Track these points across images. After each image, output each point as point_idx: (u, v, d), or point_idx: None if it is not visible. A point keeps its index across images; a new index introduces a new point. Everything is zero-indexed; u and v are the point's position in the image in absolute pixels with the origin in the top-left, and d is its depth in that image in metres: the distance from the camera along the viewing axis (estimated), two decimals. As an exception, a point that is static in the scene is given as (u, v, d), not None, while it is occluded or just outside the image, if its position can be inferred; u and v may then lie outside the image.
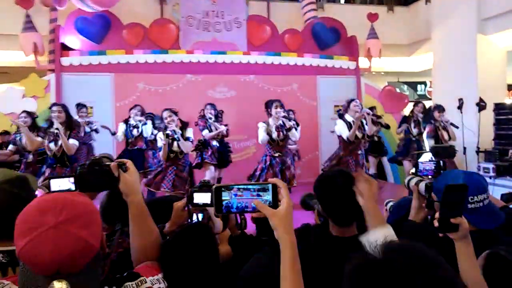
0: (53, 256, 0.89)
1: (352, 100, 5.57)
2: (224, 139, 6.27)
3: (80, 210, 0.97)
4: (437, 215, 1.23)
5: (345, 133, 5.38)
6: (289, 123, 5.22)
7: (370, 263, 0.74)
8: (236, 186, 1.05)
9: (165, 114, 4.80)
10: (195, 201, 1.49)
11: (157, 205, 1.72)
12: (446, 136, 6.06)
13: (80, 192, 1.24)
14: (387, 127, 7.28)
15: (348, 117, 5.44)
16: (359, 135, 5.49)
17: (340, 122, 5.49)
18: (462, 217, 1.22)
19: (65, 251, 0.91)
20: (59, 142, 4.75)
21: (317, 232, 1.54)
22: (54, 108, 4.86)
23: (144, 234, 1.29)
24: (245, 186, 1.05)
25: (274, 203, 1.03)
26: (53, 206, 0.95)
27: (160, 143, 4.84)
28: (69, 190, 1.33)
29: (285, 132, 5.24)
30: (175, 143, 4.80)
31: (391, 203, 2.21)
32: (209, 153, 5.99)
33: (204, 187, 1.49)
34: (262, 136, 5.25)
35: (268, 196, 1.04)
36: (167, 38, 7.72)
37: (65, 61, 7.28)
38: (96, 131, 6.37)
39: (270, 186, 1.04)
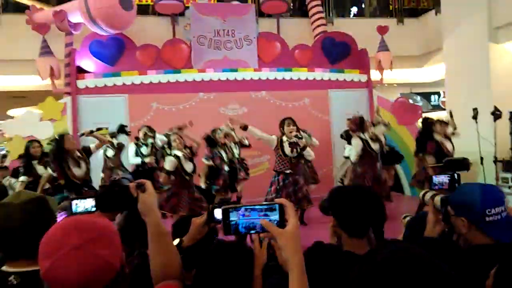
0: (77, 276, 0.93)
1: (362, 117, 5.64)
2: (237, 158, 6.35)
3: (101, 231, 1.01)
4: None
5: (352, 158, 5.56)
6: (302, 142, 5.17)
7: (373, 267, 0.80)
8: (244, 207, 1.06)
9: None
10: (215, 216, 1.52)
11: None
12: (450, 148, 5.75)
13: (100, 212, 1.27)
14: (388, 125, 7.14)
15: (362, 135, 5.54)
16: (376, 148, 5.50)
17: (354, 142, 5.61)
18: None
19: (88, 271, 0.94)
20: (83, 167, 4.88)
21: (329, 251, 1.54)
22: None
23: (163, 253, 1.31)
24: (252, 207, 1.06)
25: (281, 223, 1.04)
26: (76, 228, 0.98)
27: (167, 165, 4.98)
28: (89, 211, 1.36)
29: (299, 150, 5.15)
30: (186, 164, 4.98)
31: (408, 218, 2.19)
32: (220, 182, 5.98)
33: (224, 203, 1.51)
34: (266, 135, 5.21)
35: (275, 216, 1.05)
36: (179, 58, 7.85)
37: (81, 83, 7.45)
38: None
39: (277, 206, 1.05)
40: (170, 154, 5.01)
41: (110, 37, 7.56)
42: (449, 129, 5.86)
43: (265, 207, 1.05)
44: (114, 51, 7.68)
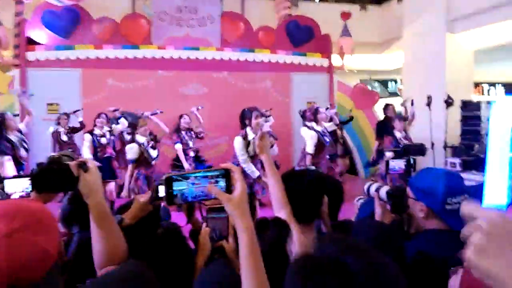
0: (9, 266, 0.85)
1: (318, 108, 5.72)
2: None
3: (34, 216, 0.93)
4: None
5: (309, 149, 5.67)
6: (271, 141, 5.09)
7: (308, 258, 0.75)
8: (193, 175, 1.02)
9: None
10: (160, 194, 1.46)
11: None
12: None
13: (36, 193, 1.17)
14: (351, 118, 7.35)
15: (316, 126, 5.63)
16: (327, 140, 5.70)
17: (307, 133, 5.70)
18: None
19: (21, 260, 0.86)
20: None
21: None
22: None
23: (107, 237, 1.24)
24: (203, 174, 1.02)
25: (228, 188, 1.01)
26: (5, 213, 0.90)
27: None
28: (26, 191, 1.26)
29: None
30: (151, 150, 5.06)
31: (361, 201, 2.23)
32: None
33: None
34: (241, 155, 4.93)
35: (222, 182, 1.01)
36: (139, 33, 7.56)
37: (31, 56, 7.03)
38: None
39: (223, 171, 1.02)
40: (132, 141, 5.10)
41: (65, 8, 7.14)
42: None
43: (216, 173, 1.02)
44: (69, 23, 7.29)
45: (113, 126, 5.87)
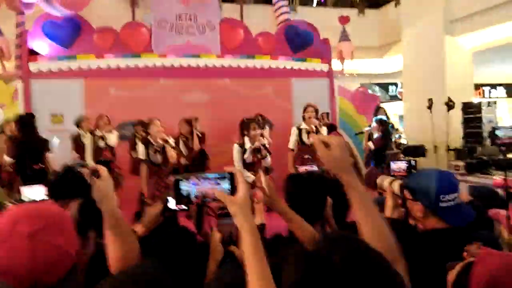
0: (31, 266, 0.88)
1: (306, 107, 5.64)
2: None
3: (53, 218, 0.96)
4: None
5: (291, 145, 5.69)
6: (264, 152, 5.08)
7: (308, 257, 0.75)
8: (194, 176, 1.08)
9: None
10: (170, 206, 1.49)
11: None
12: None
13: (52, 200, 1.20)
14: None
15: (303, 125, 5.62)
16: (308, 142, 5.62)
17: (293, 131, 5.71)
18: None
19: (42, 260, 0.89)
20: None
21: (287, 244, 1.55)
22: None
23: (121, 242, 1.25)
24: (204, 175, 1.08)
25: (232, 191, 1.06)
26: (26, 216, 0.93)
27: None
28: (41, 200, 1.29)
29: (259, 157, 5.07)
30: (157, 155, 4.98)
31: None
32: None
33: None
34: (237, 163, 5.05)
35: (226, 185, 1.07)
36: (139, 42, 7.59)
37: (33, 66, 7.06)
38: None
39: (227, 174, 1.07)
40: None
41: (65, 18, 7.18)
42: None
43: (217, 176, 1.07)
44: (69, 33, 7.30)
45: (106, 135, 5.92)
